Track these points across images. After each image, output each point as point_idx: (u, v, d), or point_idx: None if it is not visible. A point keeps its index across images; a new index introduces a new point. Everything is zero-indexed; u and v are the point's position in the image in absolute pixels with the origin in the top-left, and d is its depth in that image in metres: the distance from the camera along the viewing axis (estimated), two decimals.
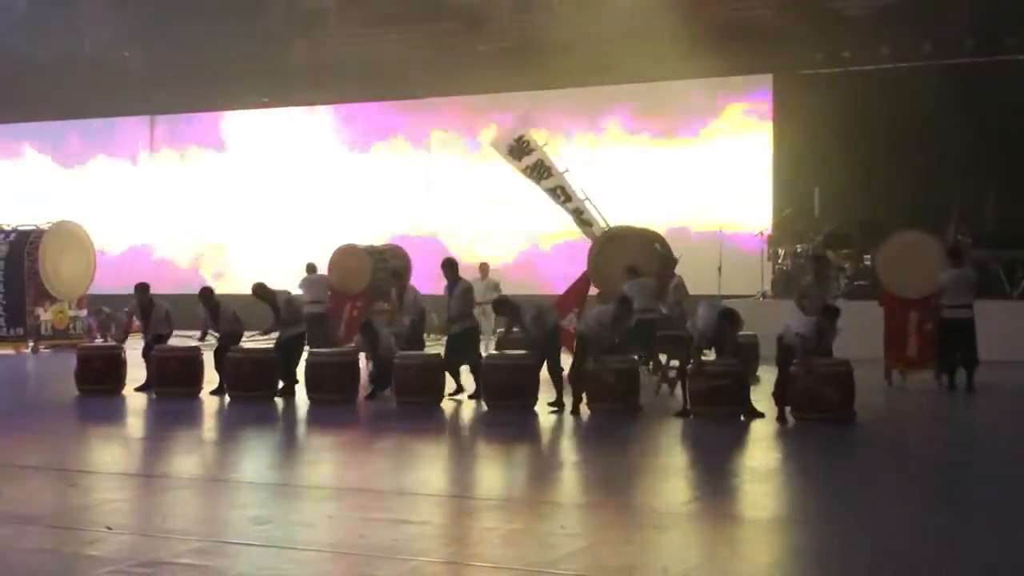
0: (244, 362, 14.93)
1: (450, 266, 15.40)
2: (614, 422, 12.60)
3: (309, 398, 14.38)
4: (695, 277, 19.34)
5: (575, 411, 13.00)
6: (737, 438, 11.78)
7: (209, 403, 14.66)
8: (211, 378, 15.30)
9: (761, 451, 11.28)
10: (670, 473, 10.33)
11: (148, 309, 16.19)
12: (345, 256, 20.88)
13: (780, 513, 8.72)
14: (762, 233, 22.47)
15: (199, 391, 15.10)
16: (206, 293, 15.92)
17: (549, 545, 7.44)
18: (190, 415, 14.02)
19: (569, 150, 26.01)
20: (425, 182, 27.51)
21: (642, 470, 10.42)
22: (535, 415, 13.16)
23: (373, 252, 21.20)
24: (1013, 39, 22.76)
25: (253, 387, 14.69)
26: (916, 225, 17.98)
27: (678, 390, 14.76)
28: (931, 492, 9.22)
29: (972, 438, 12.35)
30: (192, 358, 15.41)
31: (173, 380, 15.15)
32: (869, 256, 19.58)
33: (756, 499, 9.07)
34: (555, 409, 13.21)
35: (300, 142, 28.80)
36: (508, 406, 13.38)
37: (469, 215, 26.79)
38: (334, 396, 14.25)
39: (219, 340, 15.57)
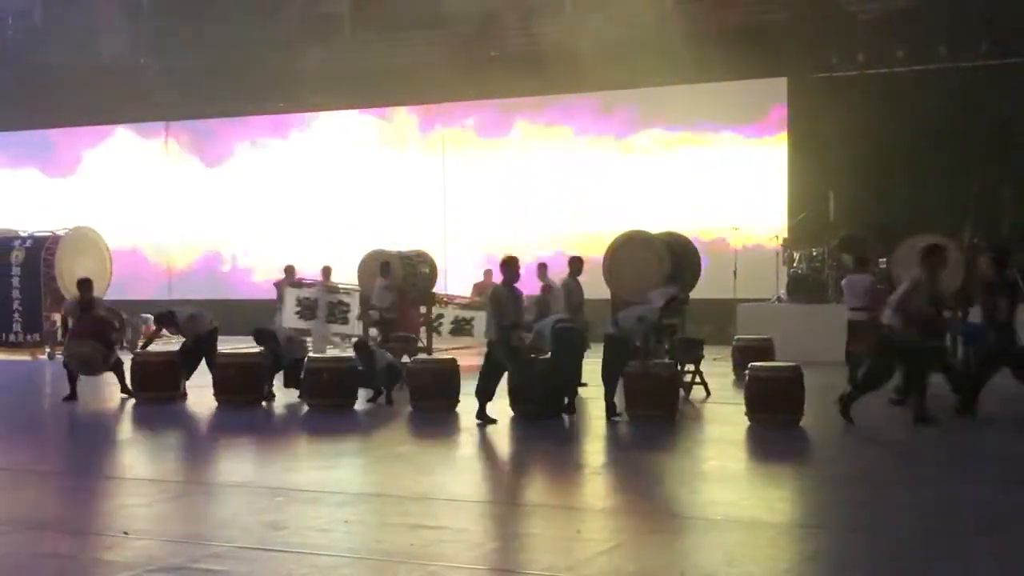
0: (231, 367, 15.01)
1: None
2: (643, 427, 12.58)
3: (309, 404, 14.39)
4: (711, 281, 19.34)
5: (609, 416, 12.93)
6: (768, 442, 11.76)
7: (210, 408, 14.65)
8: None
9: (787, 456, 11.24)
10: (691, 478, 10.30)
11: (88, 306, 16.07)
12: (374, 262, 20.84)
13: (798, 518, 8.69)
14: (778, 237, 22.44)
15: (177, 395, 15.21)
16: (160, 319, 16.38)
17: (567, 550, 7.42)
18: (200, 420, 14.06)
19: (584, 154, 26.13)
20: (441, 187, 27.55)
21: (663, 475, 10.40)
22: (560, 419, 13.16)
23: (403, 258, 21.15)
24: None
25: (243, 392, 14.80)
26: (932, 228, 17.98)
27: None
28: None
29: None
30: (172, 362, 15.48)
31: (155, 384, 15.21)
32: (884, 260, 19.54)
33: (775, 504, 9.05)
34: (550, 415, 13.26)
35: (317, 147, 28.87)
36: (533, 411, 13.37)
37: (485, 218, 26.83)
38: (332, 402, 14.25)
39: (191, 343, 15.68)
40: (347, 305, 21.79)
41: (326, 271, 22.35)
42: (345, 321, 21.81)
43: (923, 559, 7.15)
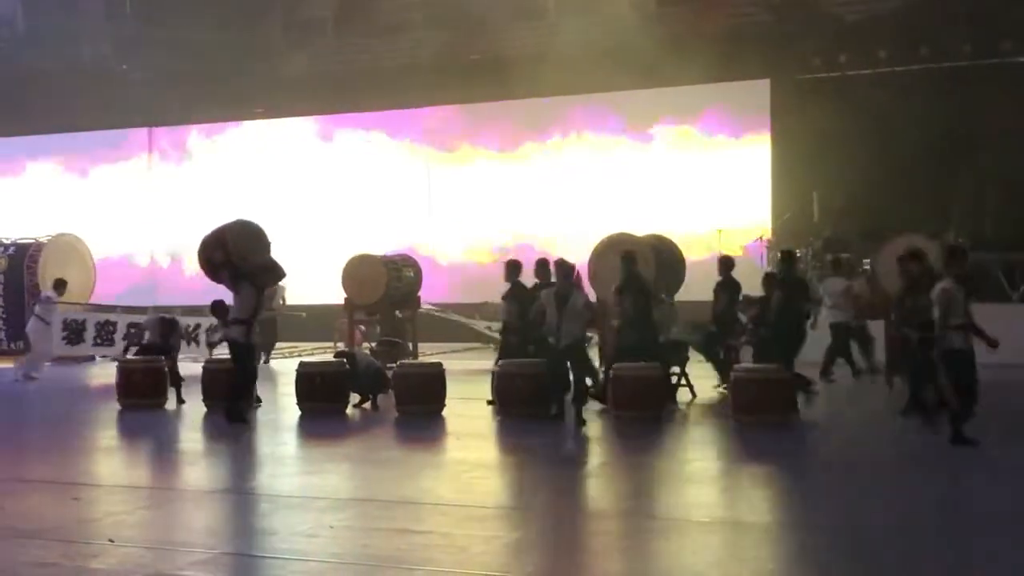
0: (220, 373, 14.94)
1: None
2: (629, 428, 12.58)
3: (300, 407, 14.36)
4: (695, 283, 19.33)
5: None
6: (753, 443, 11.79)
7: (196, 414, 14.59)
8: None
9: (771, 457, 11.26)
10: (677, 479, 10.32)
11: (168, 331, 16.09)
12: (359, 266, 20.75)
13: (783, 519, 8.71)
14: (762, 238, 22.51)
15: (164, 402, 15.16)
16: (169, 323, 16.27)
17: (553, 553, 7.42)
18: (186, 427, 14.00)
19: (568, 157, 26.16)
20: (426, 191, 27.56)
21: (649, 477, 10.41)
22: (548, 423, 13.15)
23: (387, 262, 21.04)
24: (1010, 42, 22.81)
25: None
26: (916, 229, 18.06)
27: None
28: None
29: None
30: (157, 370, 15.44)
31: (139, 391, 15.16)
32: (868, 260, 19.61)
33: (760, 504, 9.07)
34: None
35: (300, 152, 28.83)
36: (521, 414, 13.37)
37: (469, 221, 26.83)
38: (324, 405, 14.21)
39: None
40: (114, 325, 20.60)
41: (59, 284, 20.34)
42: (112, 343, 20.49)
43: (906, 557, 7.16)
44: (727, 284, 15.95)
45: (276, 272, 14.46)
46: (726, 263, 16.27)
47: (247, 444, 12.78)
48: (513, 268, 15.32)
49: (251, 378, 14.15)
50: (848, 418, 14.30)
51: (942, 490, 9.42)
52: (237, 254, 13.80)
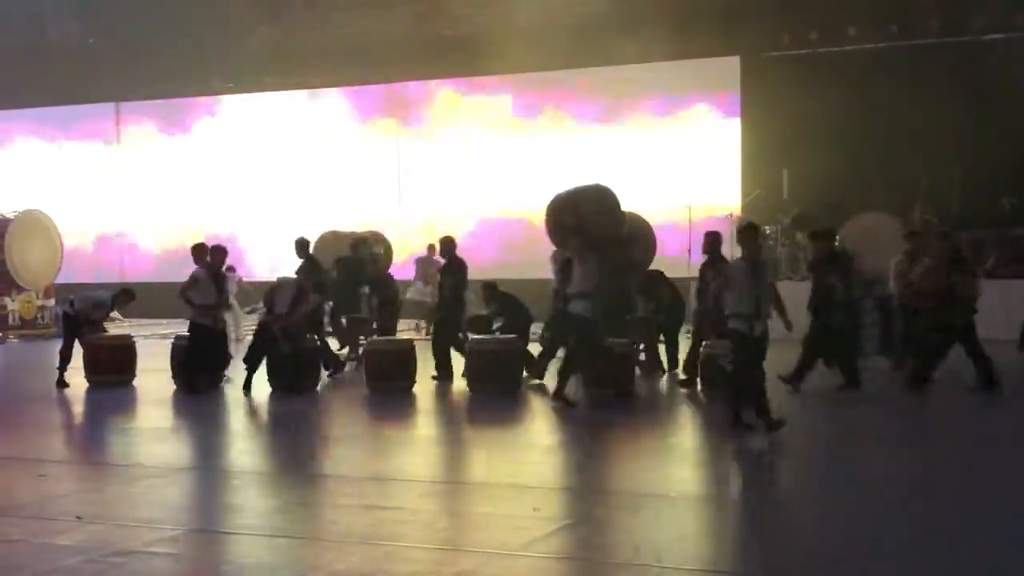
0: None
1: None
2: (598, 405, 12.61)
3: (270, 385, 14.31)
4: (665, 259, 19.38)
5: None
6: (722, 419, 11.82)
7: (165, 391, 14.41)
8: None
9: (740, 433, 11.30)
10: (646, 455, 10.35)
11: (221, 280, 14.33)
12: (328, 244, 20.63)
13: (751, 495, 8.76)
14: (732, 215, 22.54)
15: (132, 378, 15.02)
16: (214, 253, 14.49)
17: (524, 528, 7.43)
18: (153, 404, 13.91)
19: (539, 133, 26.12)
20: (396, 167, 27.46)
21: (619, 453, 10.45)
22: (519, 399, 13.17)
23: (355, 239, 20.92)
24: (979, 20, 22.89)
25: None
26: (884, 206, 18.14)
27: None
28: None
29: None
30: (126, 346, 15.31)
31: (106, 368, 14.99)
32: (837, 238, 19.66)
33: (728, 480, 9.13)
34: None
35: (269, 127, 28.66)
36: (491, 390, 13.39)
37: (439, 199, 26.77)
38: (292, 383, 14.14)
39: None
40: None
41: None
42: None
43: (870, 531, 7.22)
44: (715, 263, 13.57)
45: (625, 252, 13.00)
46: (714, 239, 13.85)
47: (215, 422, 12.74)
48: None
49: (588, 356, 12.47)
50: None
51: (899, 463, 9.49)
52: (589, 221, 12.70)
